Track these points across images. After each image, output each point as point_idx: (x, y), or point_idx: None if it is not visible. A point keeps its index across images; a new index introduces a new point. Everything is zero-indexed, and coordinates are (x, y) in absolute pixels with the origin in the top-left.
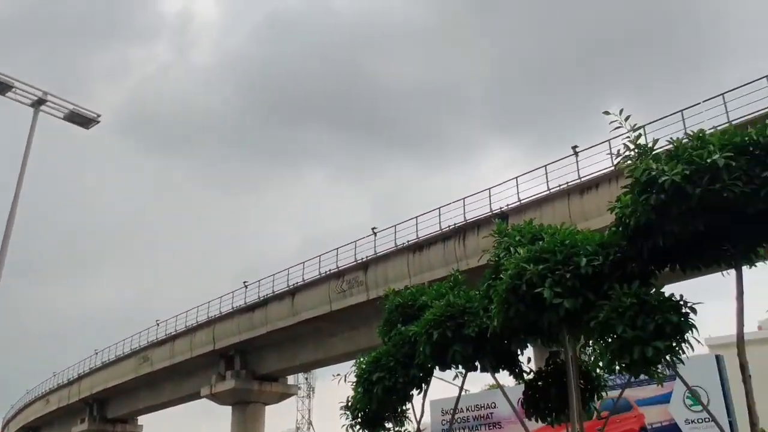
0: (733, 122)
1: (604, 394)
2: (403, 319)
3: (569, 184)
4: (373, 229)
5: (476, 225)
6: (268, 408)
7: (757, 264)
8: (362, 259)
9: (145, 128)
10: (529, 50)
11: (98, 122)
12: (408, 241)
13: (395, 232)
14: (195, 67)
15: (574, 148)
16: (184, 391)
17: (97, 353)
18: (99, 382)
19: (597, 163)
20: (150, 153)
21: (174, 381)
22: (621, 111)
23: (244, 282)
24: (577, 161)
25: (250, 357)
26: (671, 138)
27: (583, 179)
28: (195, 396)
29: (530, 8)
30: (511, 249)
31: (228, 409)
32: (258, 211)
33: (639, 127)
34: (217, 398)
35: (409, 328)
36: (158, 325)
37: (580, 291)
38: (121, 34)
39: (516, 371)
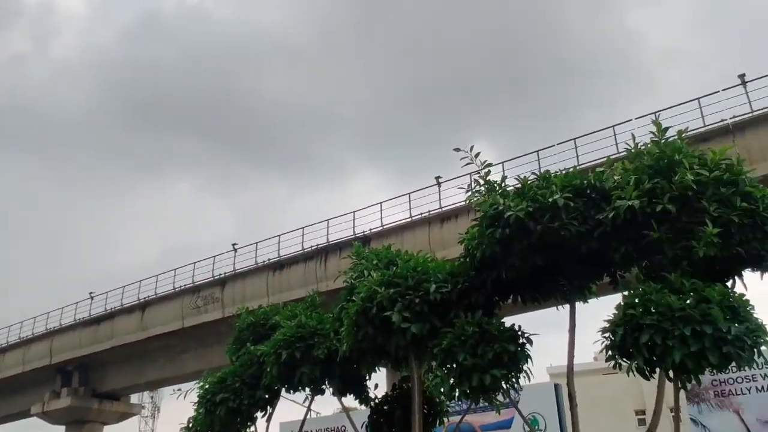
0: (581, 166)
1: (446, 419)
2: (253, 339)
3: (431, 212)
4: (233, 245)
5: (339, 247)
6: (107, 428)
7: (588, 300)
8: (220, 275)
9: None
10: (406, 77)
11: None
12: (269, 259)
13: (256, 249)
14: (55, 62)
15: (437, 178)
16: (12, 408)
17: None
18: None
19: (458, 194)
20: None
21: (2, 397)
22: (471, 147)
23: (90, 293)
24: (439, 191)
25: (92, 373)
26: (519, 176)
27: (444, 209)
28: (25, 414)
29: (411, 37)
30: (366, 272)
31: (60, 428)
32: (117, 217)
33: (491, 165)
34: (50, 417)
35: (258, 347)
36: None
37: (427, 317)
38: None
39: (363, 395)
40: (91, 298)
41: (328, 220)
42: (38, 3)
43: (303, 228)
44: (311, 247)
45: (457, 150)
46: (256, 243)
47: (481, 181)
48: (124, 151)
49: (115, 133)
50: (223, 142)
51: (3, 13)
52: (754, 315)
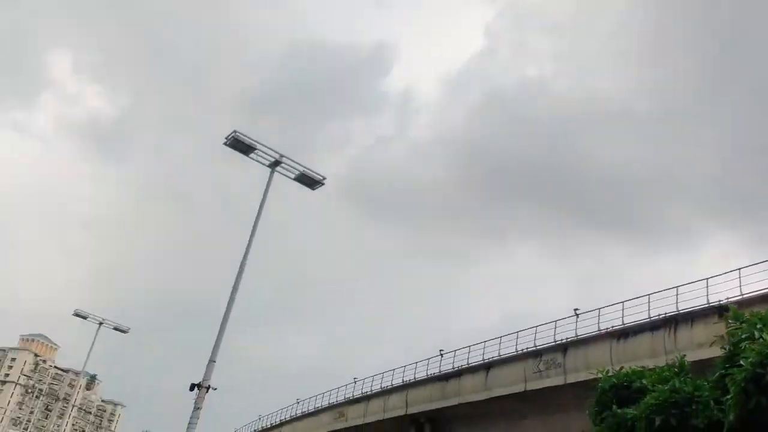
0: None
1: None
2: (617, 401)
3: None
4: (575, 310)
5: (690, 317)
6: None
7: None
8: (561, 340)
9: (363, 195)
10: (754, 137)
11: (323, 184)
12: (612, 327)
13: (599, 315)
14: (412, 142)
15: None
16: None
17: (298, 402)
18: (298, 430)
19: None
20: (365, 218)
21: None
22: None
23: (440, 350)
24: None
25: (439, 426)
26: None
27: None
28: None
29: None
30: (755, 334)
31: None
32: (461, 282)
33: None
34: None
35: (626, 410)
36: (355, 383)
37: None
38: (346, 109)
39: None
40: (441, 355)
41: (677, 287)
42: (400, 94)
43: (649, 295)
44: (658, 315)
45: None
46: (599, 309)
47: None
48: (471, 221)
49: (464, 204)
50: (559, 207)
51: (373, 103)
52: None
